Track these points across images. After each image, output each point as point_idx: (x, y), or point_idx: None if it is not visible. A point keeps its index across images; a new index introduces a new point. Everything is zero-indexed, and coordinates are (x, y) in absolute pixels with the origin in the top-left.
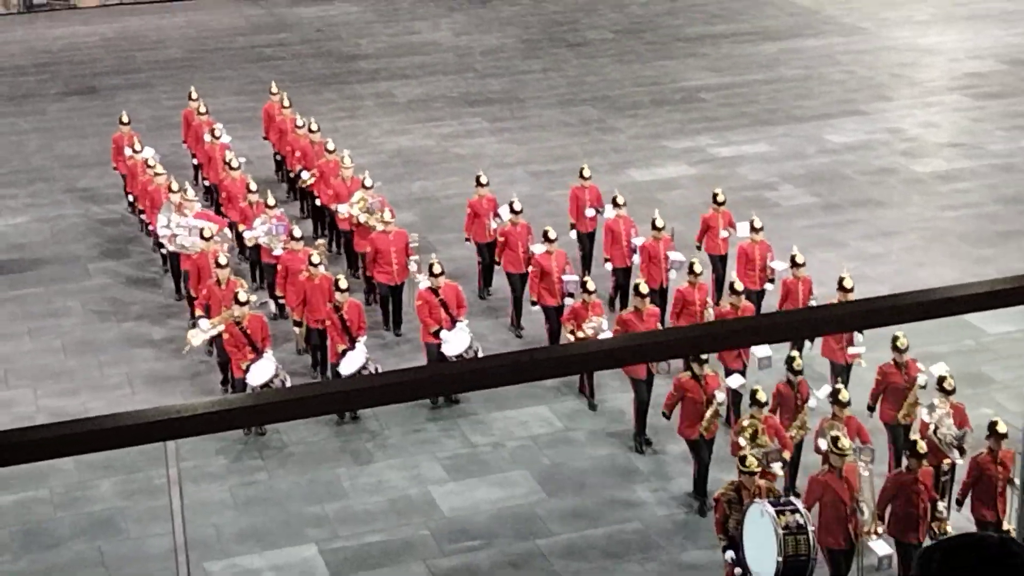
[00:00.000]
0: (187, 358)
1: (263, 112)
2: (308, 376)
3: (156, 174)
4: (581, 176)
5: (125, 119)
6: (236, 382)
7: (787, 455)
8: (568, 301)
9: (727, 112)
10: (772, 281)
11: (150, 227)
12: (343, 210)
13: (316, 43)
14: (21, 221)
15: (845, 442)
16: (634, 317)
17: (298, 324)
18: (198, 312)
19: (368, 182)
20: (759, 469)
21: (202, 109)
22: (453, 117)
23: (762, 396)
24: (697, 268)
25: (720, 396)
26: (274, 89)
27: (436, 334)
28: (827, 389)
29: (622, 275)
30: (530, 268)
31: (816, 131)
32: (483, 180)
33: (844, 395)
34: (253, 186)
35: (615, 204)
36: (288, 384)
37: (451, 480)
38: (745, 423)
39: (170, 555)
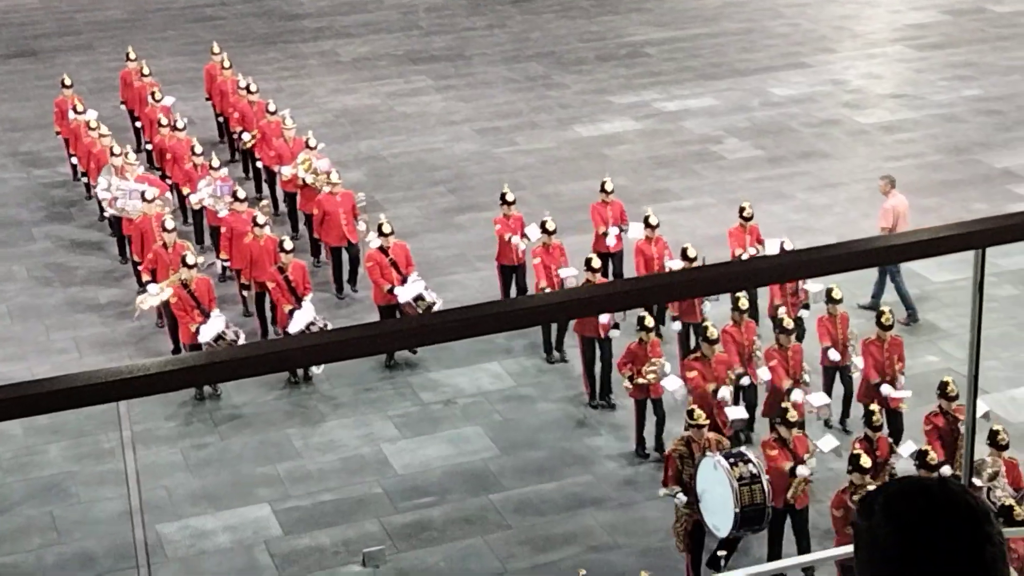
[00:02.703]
0: (133, 322)
1: (204, 73)
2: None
3: (101, 135)
4: (603, 191)
5: (67, 82)
6: (187, 349)
7: None
8: (614, 333)
9: (671, 66)
10: (807, 307)
11: (94, 189)
12: (287, 171)
13: (258, 2)
14: None
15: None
16: (701, 365)
17: (246, 287)
18: (145, 277)
19: (312, 142)
20: (707, 422)
21: (145, 71)
22: (398, 75)
23: (866, 461)
24: (743, 304)
25: (812, 464)
26: (215, 49)
27: (390, 292)
28: (911, 446)
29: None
30: None
31: (760, 84)
32: (509, 198)
33: (932, 457)
34: (198, 148)
35: (647, 224)
36: (242, 338)
37: (403, 438)
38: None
39: (121, 518)
